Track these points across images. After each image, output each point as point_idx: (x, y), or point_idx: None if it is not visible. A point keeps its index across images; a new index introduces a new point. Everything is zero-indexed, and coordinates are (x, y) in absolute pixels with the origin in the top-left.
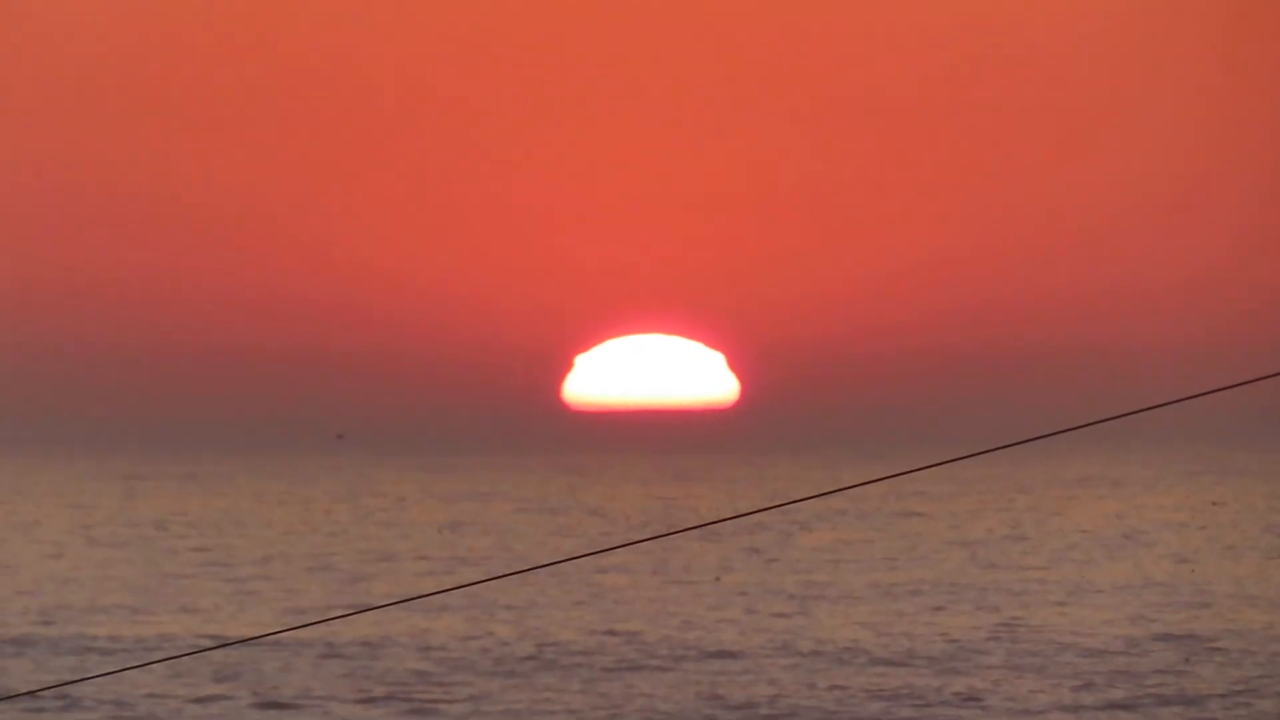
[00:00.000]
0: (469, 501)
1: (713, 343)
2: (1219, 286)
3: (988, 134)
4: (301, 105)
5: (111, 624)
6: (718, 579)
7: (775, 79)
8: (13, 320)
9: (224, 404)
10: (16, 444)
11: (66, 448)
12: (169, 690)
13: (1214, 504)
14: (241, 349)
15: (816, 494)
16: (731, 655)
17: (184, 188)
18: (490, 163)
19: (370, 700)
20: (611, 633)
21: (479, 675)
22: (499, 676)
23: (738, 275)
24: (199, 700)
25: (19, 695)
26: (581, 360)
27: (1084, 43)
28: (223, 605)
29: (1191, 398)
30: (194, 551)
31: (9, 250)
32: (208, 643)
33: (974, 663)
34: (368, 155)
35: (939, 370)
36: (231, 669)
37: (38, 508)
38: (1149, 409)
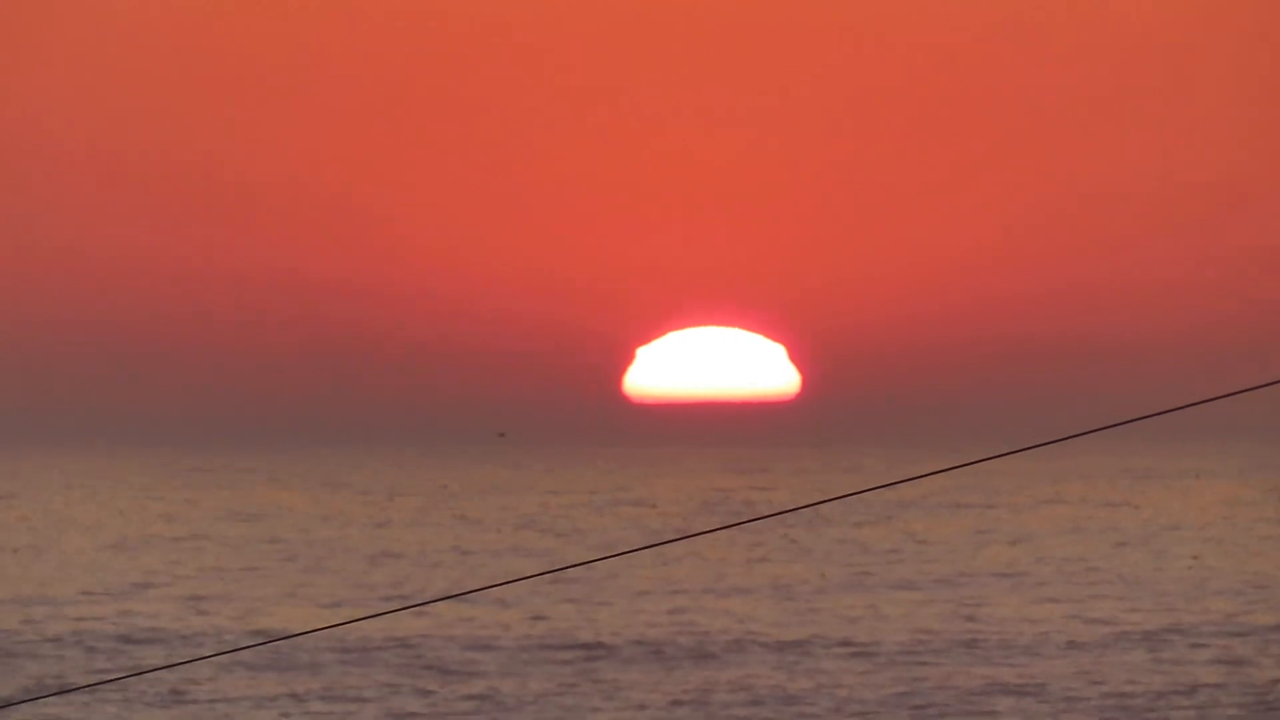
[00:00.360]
0: (531, 493)
1: (774, 335)
2: (1256, 279)
3: (1047, 116)
4: (368, 89)
5: (170, 616)
6: (823, 575)
7: (829, 74)
8: (110, 306)
9: (282, 395)
10: (93, 435)
11: (135, 440)
12: (226, 684)
13: None
14: (287, 334)
15: (870, 487)
16: (793, 647)
17: (215, 167)
18: (553, 154)
19: (427, 693)
20: (675, 625)
21: (535, 666)
22: (552, 665)
23: (797, 267)
24: (255, 695)
25: (77, 689)
26: (643, 352)
27: (1102, 33)
28: (281, 598)
29: (1255, 389)
30: (255, 544)
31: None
32: (265, 636)
33: (1033, 653)
34: (429, 139)
35: (1001, 360)
36: (288, 661)
37: (102, 502)
38: (1217, 399)
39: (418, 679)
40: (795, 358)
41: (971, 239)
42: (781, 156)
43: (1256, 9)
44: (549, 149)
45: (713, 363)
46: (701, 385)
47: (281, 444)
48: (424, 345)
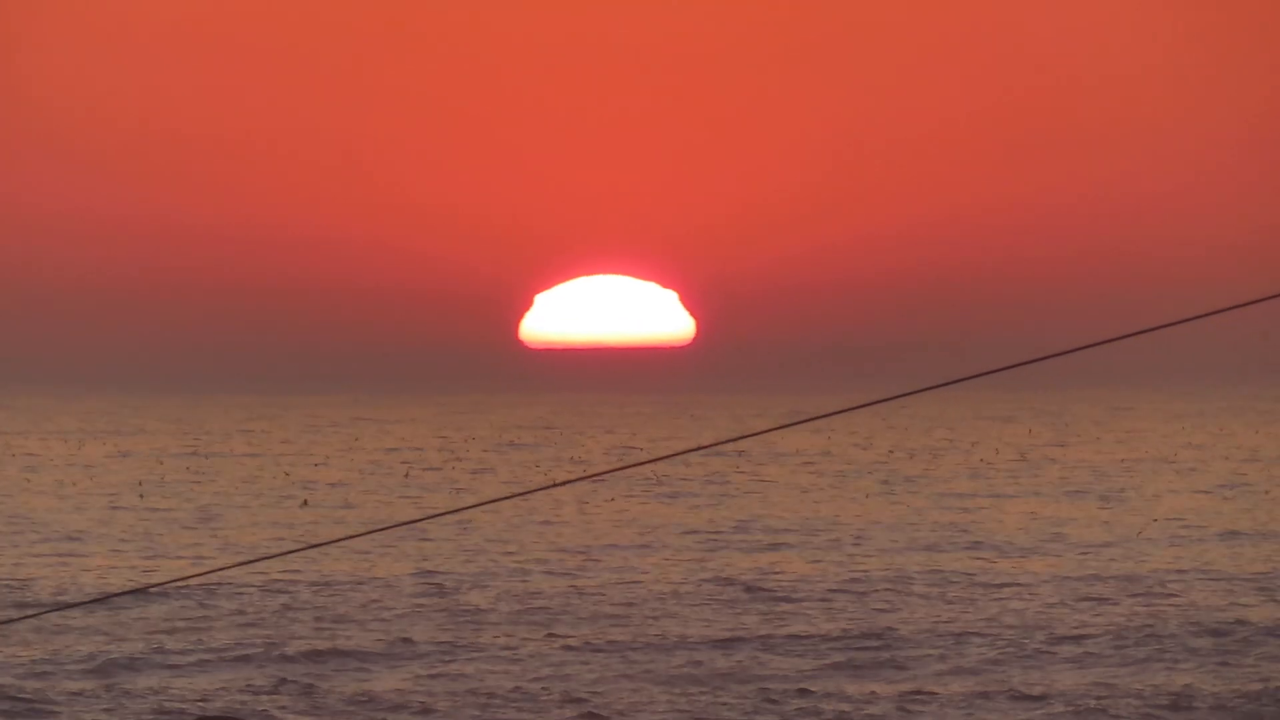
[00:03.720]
0: (427, 435)
1: (666, 282)
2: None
3: (925, 56)
4: (264, 30)
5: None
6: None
7: (714, 22)
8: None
9: (178, 340)
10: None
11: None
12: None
13: None
14: (173, 281)
15: (744, 433)
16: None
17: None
18: (451, 101)
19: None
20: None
21: (412, 610)
22: (430, 597)
23: (686, 215)
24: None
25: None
26: (541, 299)
27: None
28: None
29: (1180, 323)
30: (108, 495)
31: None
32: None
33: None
34: (325, 82)
35: (886, 302)
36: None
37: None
38: (1173, 324)
39: (299, 628)
40: (688, 303)
41: (857, 176)
42: (672, 106)
43: None
44: (448, 96)
45: (609, 309)
46: (598, 331)
47: (177, 388)
48: (325, 288)
